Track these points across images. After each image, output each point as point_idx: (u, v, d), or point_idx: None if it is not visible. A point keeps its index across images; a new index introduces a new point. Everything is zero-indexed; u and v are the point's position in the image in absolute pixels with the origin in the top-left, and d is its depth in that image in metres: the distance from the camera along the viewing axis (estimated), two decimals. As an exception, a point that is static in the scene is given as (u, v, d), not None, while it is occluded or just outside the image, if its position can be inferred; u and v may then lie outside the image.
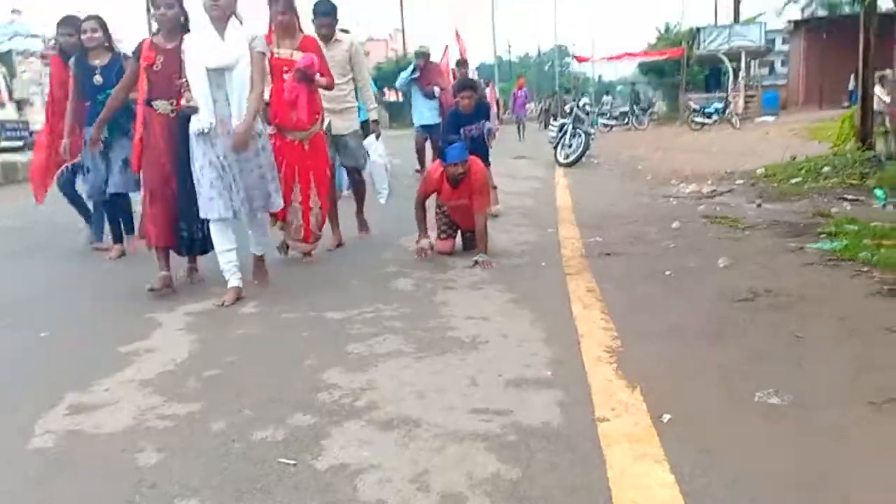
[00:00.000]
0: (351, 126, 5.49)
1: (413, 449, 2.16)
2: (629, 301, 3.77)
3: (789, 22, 32.46)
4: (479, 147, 5.94)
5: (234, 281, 4.09)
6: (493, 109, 15.06)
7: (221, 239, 4.09)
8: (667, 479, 1.94)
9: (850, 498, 1.84)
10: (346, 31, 5.66)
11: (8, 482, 2.09)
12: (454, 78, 10.58)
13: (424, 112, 9.37)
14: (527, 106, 25.47)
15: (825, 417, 2.29)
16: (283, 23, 4.80)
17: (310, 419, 2.40)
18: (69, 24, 5.49)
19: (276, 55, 4.69)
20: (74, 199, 5.95)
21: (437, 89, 9.23)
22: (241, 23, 3.97)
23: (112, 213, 5.55)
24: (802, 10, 32.06)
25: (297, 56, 4.73)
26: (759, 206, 6.80)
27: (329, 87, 4.91)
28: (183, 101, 3.91)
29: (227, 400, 2.60)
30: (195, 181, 4.01)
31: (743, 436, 2.19)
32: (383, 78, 27.28)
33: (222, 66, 3.89)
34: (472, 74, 15.20)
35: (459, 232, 5.27)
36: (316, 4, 5.45)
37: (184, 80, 3.92)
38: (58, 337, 3.54)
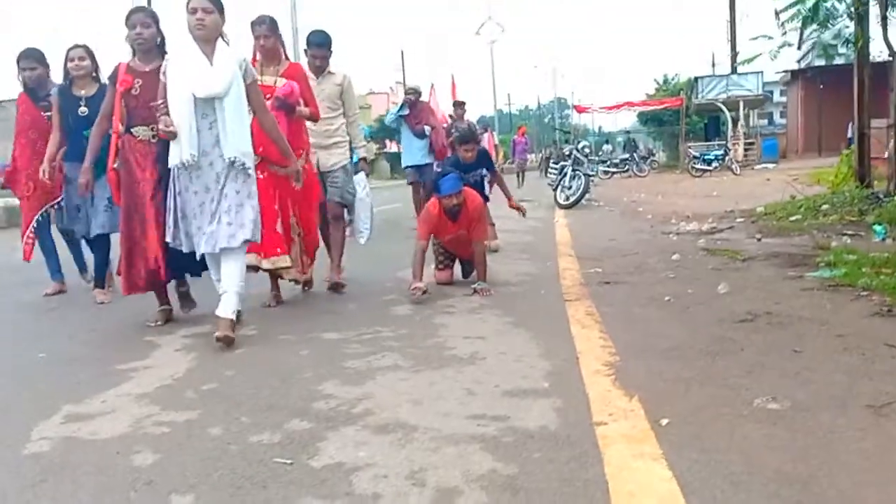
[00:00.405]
0: (340, 161, 5.14)
1: (409, 449, 2.15)
2: (628, 322, 3.77)
3: (786, 72, 33.05)
4: (478, 191, 5.97)
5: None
6: (491, 154, 15.09)
7: (213, 269, 3.87)
8: (665, 475, 1.92)
9: (847, 492, 1.82)
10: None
11: (3, 484, 2.07)
12: (452, 119, 10.41)
13: (414, 152, 9.10)
14: (528, 156, 25.35)
15: (824, 420, 2.28)
16: (267, 48, 4.56)
17: (306, 425, 2.39)
18: (30, 56, 5.23)
19: (258, 82, 4.31)
20: (47, 248, 5.53)
21: (427, 128, 8.95)
22: (227, 43, 3.70)
23: (100, 255, 5.10)
24: (799, 61, 32.69)
25: (281, 84, 4.50)
26: (759, 240, 6.83)
27: (314, 119, 4.71)
28: (161, 126, 3.60)
29: (225, 409, 2.59)
30: (172, 211, 3.73)
31: (741, 437, 2.17)
32: (385, 130, 27.64)
33: (213, 94, 3.57)
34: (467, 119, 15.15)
35: (458, 261, 5.27)
36: (310, 34, 5.24)
37: (160, 102, 3.64)
38: (55, 357, 3.54)
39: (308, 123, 4.77)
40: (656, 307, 4.11)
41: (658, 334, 3.48)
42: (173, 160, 3.65)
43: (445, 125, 9.91)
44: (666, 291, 4.47)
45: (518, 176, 21.42)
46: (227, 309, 3.62)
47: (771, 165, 25.10)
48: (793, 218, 8.39)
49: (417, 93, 9.26)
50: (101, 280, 5.19)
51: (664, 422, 2.30)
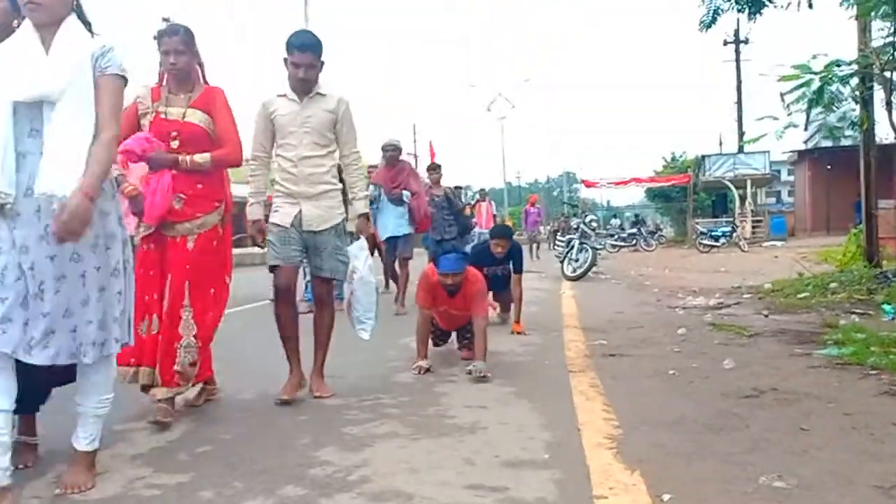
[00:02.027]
0: (332, 217, 3.78)
1: (403, 519, 2.10)
2: (632, 395, 3.72)
3: (793, 152, 33.45)
4: (501, 286, 5.86)
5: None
6: (486, 225, 13.98)
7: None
8: (664, 552, 1.87)
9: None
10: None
11: (-14, 543, 2.03)
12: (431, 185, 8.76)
13: (390, 221, 7.69)
14: (541, 227, 23.92)
15: (830, 500, 2.22)
16: (178, 67, 3.36)
17: (300, 491, 2.36)
18: None
19: (161, 115, 3.35)
20: None
21: (406, 194, 7.48)
22: (90, 29, 2.51)
23: None
24: (806, 141, 33.16)
25: (193, 117, 3.36)
26: (766, 316, 6.78)
27: (229, 164, 3.44)
28: None
29: (218, 472, 2.56)
30: None
31: (745, 515, 2.12)
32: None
33: (41, 96, 2.34)
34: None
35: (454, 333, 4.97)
36: (292, 35, 3.76)
37: None
38: (50, 416, 3.50)
39: (286, 166, 3.72)
40: (661, 380, 4.07)
41: (662, 408, 3.43)
42: None
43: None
44: (671, 365, 4.42)
45: (531, 248, 19.52)
46: (83, 437, 2.53)
47: (779, 243, 25.12)
48: (801, 295, 8.34)
49: (398, 149, 7.70)
50: None
51: (666, 497, 2.25)
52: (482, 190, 17.08)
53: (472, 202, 14.34)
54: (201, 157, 3.32)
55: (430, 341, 4.77)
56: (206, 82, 3.52)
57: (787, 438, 2.88)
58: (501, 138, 50.04)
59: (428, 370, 4.36)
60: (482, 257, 5.58)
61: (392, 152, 7.60)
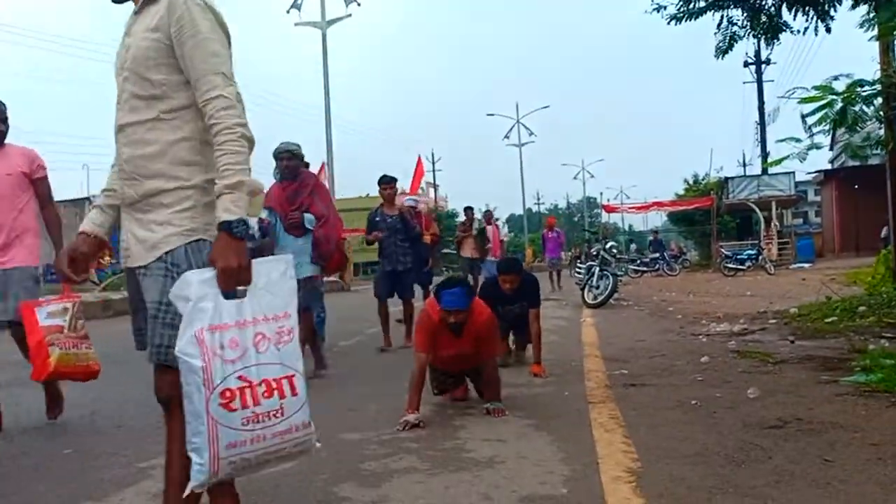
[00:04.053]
0: (160, 242, 2.02)
1: (419, 557, 2.10)
2: (653, 427, 3.69)
3: (819, 172, 33.15)
4: (521, 324, 5.48)
5: None
6: (493, 253, 13.17)
7: None
8: (682, 591, 1.84)
9: None
10: None
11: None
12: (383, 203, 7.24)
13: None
14: (563, 253, 21.45)
15: (854, 535, 2.18)
16: None
17: (318, 528, 2.36)
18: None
19: None
20: None
21: (309, 218, 5.40)
22: None
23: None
24: (832, 161, 32.83)
25: None
26: (793, 342, 6.68)
27: None
28: None
29: (238, 510, 2.57)
30: None
31: (766, 552, 2.09)
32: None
33: None
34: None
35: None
36: None
37: None
38: (80, 453, 3.56)
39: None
40: (682, 411, 4.02)
41: (683, 439, 3.39)
42: None
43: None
44: (693, 395, 4.38)
45: (552, 277, 17.78)
46: None
47: (806, 265, 24.82)
48: (828, 319, 8.21)
49: (296, 156, 5.48)
50: None
51: (685, 533, 2.22)
52: (488, 211, 15.11)
53: (479, 226, 13.73)
54: None
55: (434, 388, 4.38)
56: None
57: (812, 471, 2.84)
58: (520, 166, 49.69)
59: (416, 426, 3.77)
60: (495, 297, 5.01)
61: (288, 161, 5.35)
